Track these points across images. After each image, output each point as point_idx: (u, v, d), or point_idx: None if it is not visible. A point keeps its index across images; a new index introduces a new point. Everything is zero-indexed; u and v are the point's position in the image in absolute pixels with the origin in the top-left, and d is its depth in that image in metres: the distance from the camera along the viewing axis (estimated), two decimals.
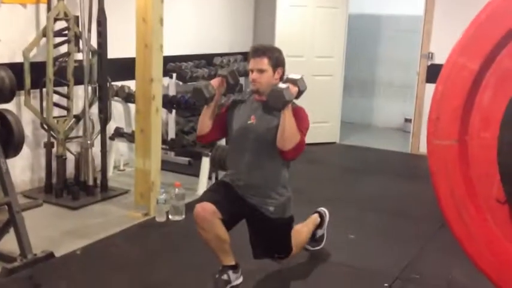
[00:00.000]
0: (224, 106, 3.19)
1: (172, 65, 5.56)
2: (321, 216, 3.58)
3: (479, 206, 1.80)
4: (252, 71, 2.92)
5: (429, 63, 6.26)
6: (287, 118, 2.78)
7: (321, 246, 3.59)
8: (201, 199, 2.98)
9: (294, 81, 2.90)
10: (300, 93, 2.94)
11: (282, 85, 2.83)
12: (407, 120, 7.34)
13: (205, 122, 3.03)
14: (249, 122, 2.95)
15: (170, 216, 4.07)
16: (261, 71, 2.90)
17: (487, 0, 1.93)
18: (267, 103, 2.84)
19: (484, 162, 1.78)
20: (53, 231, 3.76)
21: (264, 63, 2.89)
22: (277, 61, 2.94)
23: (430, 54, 6.24)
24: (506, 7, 1.73)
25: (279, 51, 2.99)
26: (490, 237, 1.80)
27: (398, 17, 7.68)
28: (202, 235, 2.92)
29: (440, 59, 6.05)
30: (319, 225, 3.55)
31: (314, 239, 3.55)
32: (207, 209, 2.86)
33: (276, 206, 2.97)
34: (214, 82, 3.00)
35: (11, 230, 3.22)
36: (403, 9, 7.55)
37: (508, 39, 1.73)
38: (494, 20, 1.75)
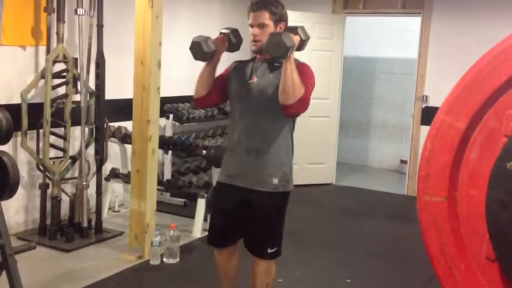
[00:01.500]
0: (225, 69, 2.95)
1: (169, 105, 5.62)
2: None
3: (469, 264, 1.80)
4: (252, 26, 2.70)
5: (424, 105, 6.33)
6: (288, 69, 2.53)
7: None
8: (213, 242, 2.97)
9: (293, 30, 2.65)
10: (302, 43, 2.67)
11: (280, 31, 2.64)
12: (403, 162, 7.38)
13: (202, 83, 2.82)
14: (250, 81, 2.75)
15: (165, 259, 4.05)
16: (261, 25, 2.67)
17: (477, 47, 1.99)
18: (266, 51, 2.59)
19: (474, 219, 1.79)
20: (46, 274, 3.72)
21: (265, 17, 2.67)
22: (280, 15, 2.71)
23: (425, 97, 6.32)
24: (491, 69, 1.78)
25: (281, 4, 2.75)
26: None
27: (392, 60, 7.81)
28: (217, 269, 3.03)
29: (434, 101, 6.14)
30: None
31: None
32: (222, 259, 2.97)
33: (280, 177, 2.74)
34: (215, 39, 2.79)
35: (3, 273, 3.19)
36: (398, 53, 7.70)
37: (494, 99, 1.77)
38: (479, 81, 1.79)
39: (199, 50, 2.72)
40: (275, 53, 2.54)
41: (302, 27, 2.69)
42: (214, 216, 3.00)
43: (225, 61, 2.96)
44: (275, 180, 2.74)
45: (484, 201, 1.72)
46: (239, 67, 2.87)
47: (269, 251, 2.83)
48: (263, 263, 2.88)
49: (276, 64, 2.73)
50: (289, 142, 2.82)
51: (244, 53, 3.03)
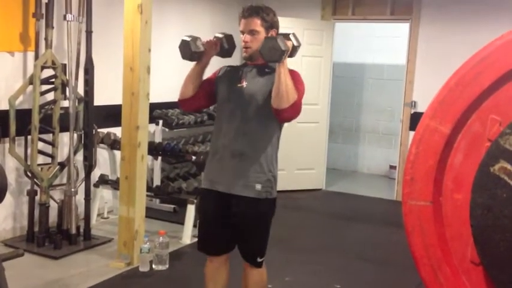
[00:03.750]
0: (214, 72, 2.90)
1: (158, 111, 5.61)
2: None
3: (454, 267, 1.82)
4: (243, 32, 2.68)
5: (412, 111, 6.38)
6: (282, 73, 2.51)
7: None
8: (202, 248, 2.92)
9: (286, 36, 2.60)
10: (294, 49, 2.64)
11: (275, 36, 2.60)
12: (392, 167, 7.41)
13: (188, 85, 2.76)
14: (238, 85, 2.71)
15: (154, 266, 4.03)
16: (253, 32, 2.65)
17: (465, 53, 2.01)
18: (260, 54, 2.55)
19: (458, 223, 1.80)
20: (34, 282, 3.69)
21: (257, 23, 2.65)
22: (271, 22, 2.69)
23: (413, 103, 6.36)
24: (475, 74, 1.79)
25: (272, 11, 2.73)
26: None
27: (381, 66, 7.85)
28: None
29: (423, 107, 6.15)
30: None
31: None
32: (212, 266, 2.91)
33: (263, 184, 2.69)
34: (207, 41, 2.76)
35: None
36: (386, 59, 7.75)
37: (477, 104, 1.79)
38: (463, 86, 1.81)
39: (187, 49, 2.71)
40: (270, 56, 2.51)
41: (294, 34, 2.66)
42: (201, 222, 2.98)
43: (216, 67, 2.95)
44: (258, 186, 2.70)
45: (468, 205, 1.74)
46: (228, 71, 2.84)
47: (258, 260, 2.83)
48: (256, 271, 2.86)
49: (266, 70, 2.72)
50: (275, 149, 2.78)
51: (236, 60, 3.01)
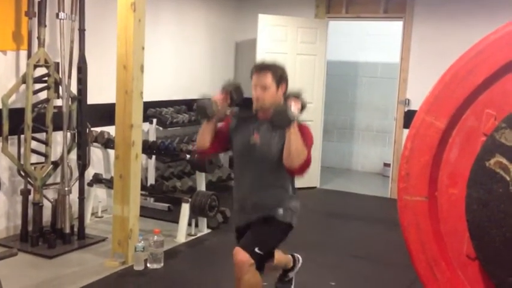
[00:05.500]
0: (226, 118, 3.11)
1: (152, 110, 5.60)
2: (294, 260, 3.58)
3: (450, 262, 1.82)
4: (256, 87, 2.88)
5: (406, 109, 6.39)
6: (293, 135, 2.72)
7: None
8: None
9: (297, 96, 2.84)
10: (302, 109, 2.84)
11: (285, 103, 2.77)
12: (386, 165, 7.42)
13: (205, 137, 2.98)
14: (252, 141, 2.91)
15: (148, 265, 4.02)
16: (264, 87, 2.85)
17: (457, 51, 2.01)
18: (271, 122, 2.78)
19: (454, 218, 1.80)
20: (28, 281, 3.68)
21: (268, 79, 2.85)
22: (281, 77, 2.90)
23: (407, 101, 6.37)
24: (470, 69, 1.79)
25: (282, 67, 2.95)
26: None
27: (375, 64, 7.86)
28: None
29: (416, 105, 6.14)
30: (291, 268, 3.55)
31: (283, 280, 3.56)
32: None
33: (285, 209, 2.95)
34: (218, 97, 2.95)
35: None
36: (380, 57, 7.76)
37: (472, 99, 1.79)
38: (458, 81, 1.81)
39: (204, 113, 2.92)
40: (281, 125, 2.72)
41: (302, 93, 2.88)
42: None
43: None
44: (280, 210, 2.94)
45: (464, 200, 1.74)
46: (240, 122, 3.02)
47: (256, 250, 2.87)
48: (251, 271, 2.86)
49: None
50: (291, 189, 2.99)
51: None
